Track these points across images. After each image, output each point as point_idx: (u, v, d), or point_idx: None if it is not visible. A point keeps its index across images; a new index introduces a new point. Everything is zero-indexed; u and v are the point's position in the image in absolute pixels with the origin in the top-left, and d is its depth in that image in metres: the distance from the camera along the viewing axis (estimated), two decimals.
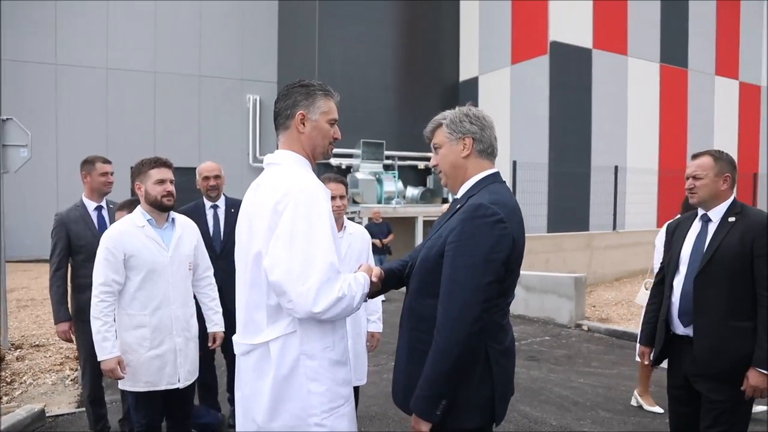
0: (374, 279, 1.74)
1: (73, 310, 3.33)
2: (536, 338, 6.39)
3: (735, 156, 2.45)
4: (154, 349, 2.60)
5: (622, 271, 10.73)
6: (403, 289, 1.87)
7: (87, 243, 3.21)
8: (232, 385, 3.29)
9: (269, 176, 1.70)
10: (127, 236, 2.59)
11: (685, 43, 14.69)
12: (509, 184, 8.01)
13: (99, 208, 3.39)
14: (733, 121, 16.02)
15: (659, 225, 13.25)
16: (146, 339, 2.59)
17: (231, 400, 3.54)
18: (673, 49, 14.40)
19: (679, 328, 2.42)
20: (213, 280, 2.99)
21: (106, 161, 3.46)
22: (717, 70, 15.48)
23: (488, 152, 1.77)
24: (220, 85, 15.35)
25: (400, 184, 14.00)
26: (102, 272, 2.54)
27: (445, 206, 10.81)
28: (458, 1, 15.19)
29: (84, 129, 13.82)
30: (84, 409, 3.58)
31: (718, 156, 2.39)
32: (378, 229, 9.54)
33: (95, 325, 2.51)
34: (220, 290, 3.07)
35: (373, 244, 8.90)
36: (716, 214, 2.37)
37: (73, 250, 3.27)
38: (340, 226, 2.95)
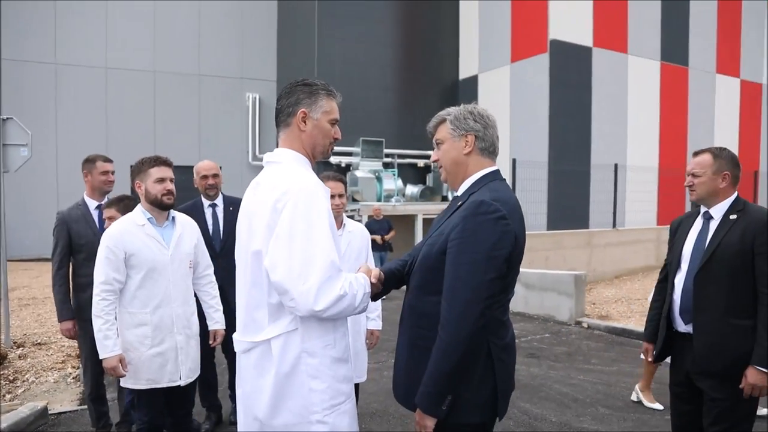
0: (374, 280, 1.74)
1: (74, 308, 3.35)
2: (536, 335, 6.41)
3: (736, 154, 2.44)
4: (155, 347, 2.61)
5: (621, 268, 10.75)
6: (403, 287, 1.88)
7: (88, 242, 3.22)
8: (233, 382, 3.31)
9: (269, 175, 1.71)
10: (127, 235, 2.60)
11: (685, 41, 14.68)
12: (509, 182, 8.02)
13: (100, 207, 3.40)
14: (734, 119, 16.01)
15: (659, 223, 13.28)
16: (147, 337, 2.61)
17: (232, 397, 3.55)
18: (674, 47, 14.38)
19: (681, 326, 2.42)
20: (213, 278, 3.00)
21: (107, 160, 3.47)
22: (718, 68, 15.46)
23: (490, 151, 1.78)
24: (219, 84, 15.35)
25: (399, 182, 14.01)
26: (103, 271, 2.55)
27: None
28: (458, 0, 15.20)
29: (84, 128, 13.84)
30: (86, 406, 3.59)
31: (718, 154, 2.38)
32: (379, 226, 9.56)
33: (97, 323, 2.52)
34: (220, 288, 3.09)
35: (374, 241, 9.03)
36: (718, 211, 2.36)
37: (74, 249, 3.29)
38: (340, 224, 2.96)
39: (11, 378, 4.56)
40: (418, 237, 12.48)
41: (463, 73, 15.22)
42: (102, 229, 3.04)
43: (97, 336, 2.52)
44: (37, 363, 4.96)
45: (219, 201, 3.63)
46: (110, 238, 2.58)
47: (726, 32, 15.50)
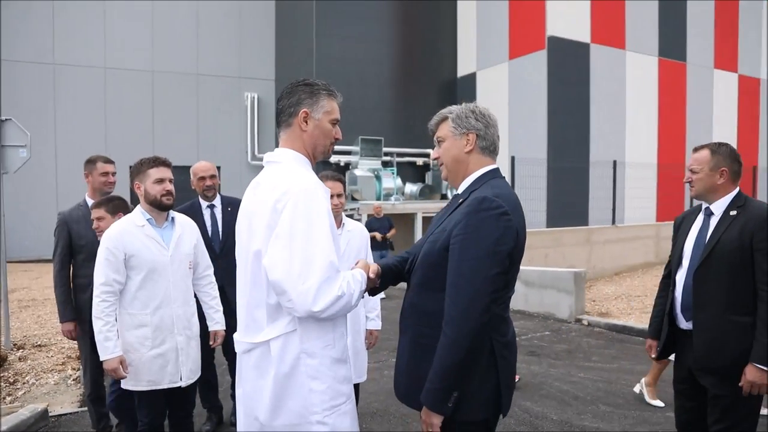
0: (372, 276, 1.75)
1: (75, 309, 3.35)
2: (536, 333, 6.41)
3: (736, 149, 2.43)
4: (155, 348, 2.61)
5: (621, 265, 10.75)
6: (403, 286, 1.88)
7: (88, 243, 3.22)
8: (235, 382, 3.30)
9: (269, 174, 1.71)
10: (127, 236, 2.60)
11: (683, 37, 14.66)
12: (508, 179, 8.00)
13: None
14: (733, 115, 16.01)
15: (658, 219, 13.28)
16: (148, 338, 2.60)
17: (233, 396, 3.55)
18: (672, 43, 14.37)
19: (683, 323, 2.42)
20: (213, 279, 3.00)
21: (108, 161, 3.47)
22: (716, 63, 15.45)
23: (490, 149, 1.80)
24: (218, 83, 15.33)
25: (398, 181, 14.01)
26: (103, 272, 2.54)
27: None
28: None
29: (82, 129, 13.82)
30: (86, 408, 3.59)
31: (716, 149, 2.37)
32: (379, 224, 9.56)
33: (97, 325, 2.52)
34: (221, 289, 3.09)
35: (374, 239, 9.02)
36: (718, 207, 2.35)
37: (74, 250, 3.29)
38: (339, 223, 2.96)
39: (11, 380, 4.56)
40: (418, 235, 12.49)
41: (462, 71, 15.21)
42: (93, 231, 3.04)
43: (98, 338, 2.52)
44: (38, 365, 4.95)
45: (217, 202, 3.62)
46: (110, 240, 2.58)
47: (724, 27, 15.49)
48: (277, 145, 1.80)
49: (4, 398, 4.16)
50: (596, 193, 12.06)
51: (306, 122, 1.72)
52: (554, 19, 12.43)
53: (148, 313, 2.61)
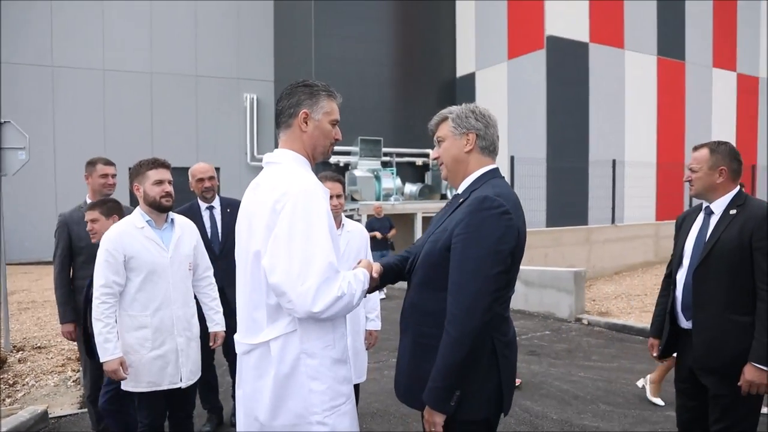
0: (375, 275, 1.76)
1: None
2: (536, 333, 6.41)
3: (735, 147, 2.43)
4: (155, 350, 2.61)
5: (621, 264, 10.76)
6: (403, 285, 1.88)
7: (88, 244, 3.21)
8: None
9: (268, 175, 1.71)
10: (126, 237, 2.60)
11: (682, 36, 14.68)
12: (507, 179, 8.02)
13: None
14: (731, 113, 16.03)
15: (658, 218, 13.29)
16: (148, 339, 2.60)
17: (234, 396, 3.54)
18: (670, 42, 14.39)
19: (683, 322, 2.42)
20: (213, 280, 3.00)
21: (108, 163, 3.46)
22: (714, 62, 15.47)
23: (490, 149, 1.81)
24: (216, 84, 15.33)
25: (398, 181, 14.02)
26: (102, 274, 2.54)
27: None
28: None
29: (81, 130, 13.81)
30: (86, 409, 3.59)
31: (715, 149, 2.37)
32: (380, 224, 9.57)
33: (97, 326, 2.52)
34: (221, 290, 3.08)
35: (375, 239, 9.03)
36: (718, 206, 2.35)
37: (75, 251, 3.28)
38: (338, 224, 2.97)
39: (11, 382, 4.56)
40: (418, 235, 12.49)
41: (461, 71, 15.22)
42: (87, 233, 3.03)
43: (98, 339, 2.51)
44: (37, 366, 4.95)
45: (216, 203, 3.61)
46: (109, 241, 2.58)
47: (722, 26, 15.51)
48: (276, 146, 1.80)
49: (4, 400, 4.16)
50: (596, 192, 12.06)
51: (306, 123, 1.73)
52: (553, 18, 12.44)
53: (148, 315, 2.61)
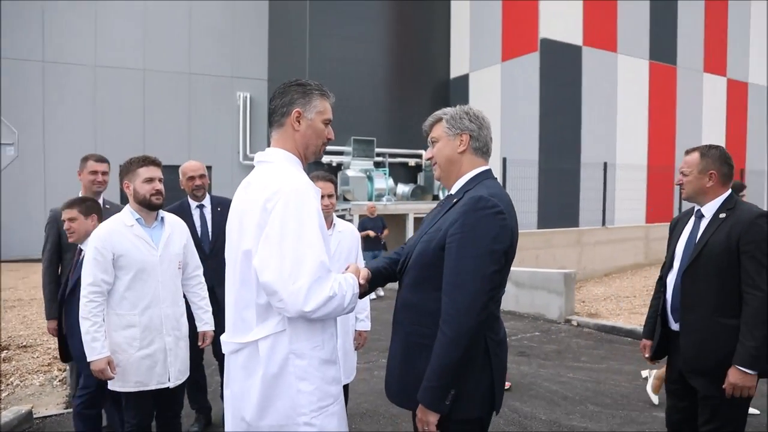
0: (362, 281, 1.75)
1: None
2: (526, 334, 6.44)
3: (726, 151, 2.46)
4: (144, 349, 2.59)
5: (611, 266, 10.83)
6: (394, 286, 1.88)
7: None
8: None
9: (260, 174, 1.71)
10: (115, 235, 2.57)
11: (673, 41, 14.81)
12: (499, 180, 8.05)
13: None
14: (721, 118, 16.19)
15: (648, 221, 13.40)
16: (136, 339, 2.58)
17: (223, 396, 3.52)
18: (662, 47, 14.51)
19: (673, 324, 2.44)
20: (202, 279, 2.98)
21: (100, 160, 3.43)
22: (705, 67, 15.62)
23: (483, 151, 1.83)
24: (210, 82, 15.25)
25: (390, 182, 14.02)
26: (91, 272, 2.52)
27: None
28: None
29: (72, 127, 13.67)
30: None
31: (705, 152, 2.39)
32: (373, 224, 9.57)
33: (84, 325, 2.49)
34: (211, 289, 3.06)
35: (368, 239, 9.02)
36: (709, 210, 2.38)
37: (63, 248, 3.26)
38: (329, 224, 2.96)
39: None
40: (410, 236, 12.49)
41: (454, 72, 15.25)
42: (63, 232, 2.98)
43: (85, 338, 2.49)
44: (23, 366, 4.89)
45: (206, 202, 3.59)
46: (98, 239, 2.56)
47: (713, 32, 15.67)
48: (269, 145, 1.80)
49: None
50: (587, 194, 12.13)
51: (298, 122, 1.73)
52: (547, 21, 12.50)
53: (136, 314, 2.59)
